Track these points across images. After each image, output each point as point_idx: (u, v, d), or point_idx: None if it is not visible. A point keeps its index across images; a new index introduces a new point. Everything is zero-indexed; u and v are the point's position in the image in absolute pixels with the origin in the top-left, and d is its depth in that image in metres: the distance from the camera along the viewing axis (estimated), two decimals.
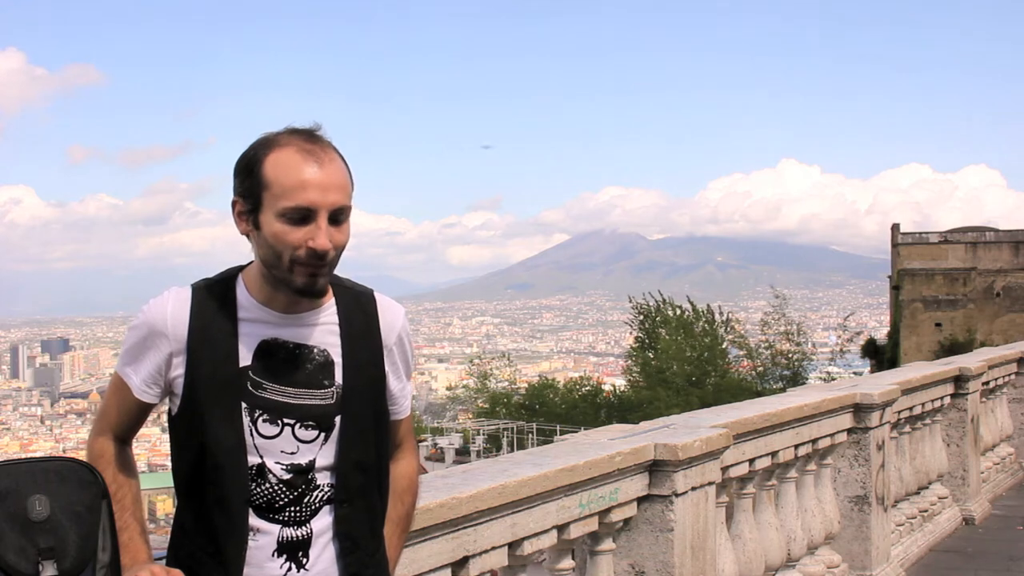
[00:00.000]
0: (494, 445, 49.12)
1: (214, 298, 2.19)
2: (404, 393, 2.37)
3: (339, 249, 2.13)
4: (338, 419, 2.20)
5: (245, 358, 2.16)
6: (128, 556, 2.12)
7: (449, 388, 71.83)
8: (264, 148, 2.12)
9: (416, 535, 2.89)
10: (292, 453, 2.16)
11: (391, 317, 2.32)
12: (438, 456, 49.42)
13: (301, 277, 2.11)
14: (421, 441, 51.38)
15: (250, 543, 2.14)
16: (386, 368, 2.30)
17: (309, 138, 2.13)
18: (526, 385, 61.62)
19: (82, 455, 2.22)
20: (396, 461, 2.39)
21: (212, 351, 2.15)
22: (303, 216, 2.07)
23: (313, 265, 2.10)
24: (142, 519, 2.23)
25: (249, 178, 2.11)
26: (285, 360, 2.17)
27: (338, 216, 2.10)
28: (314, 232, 2.07)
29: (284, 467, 2.16)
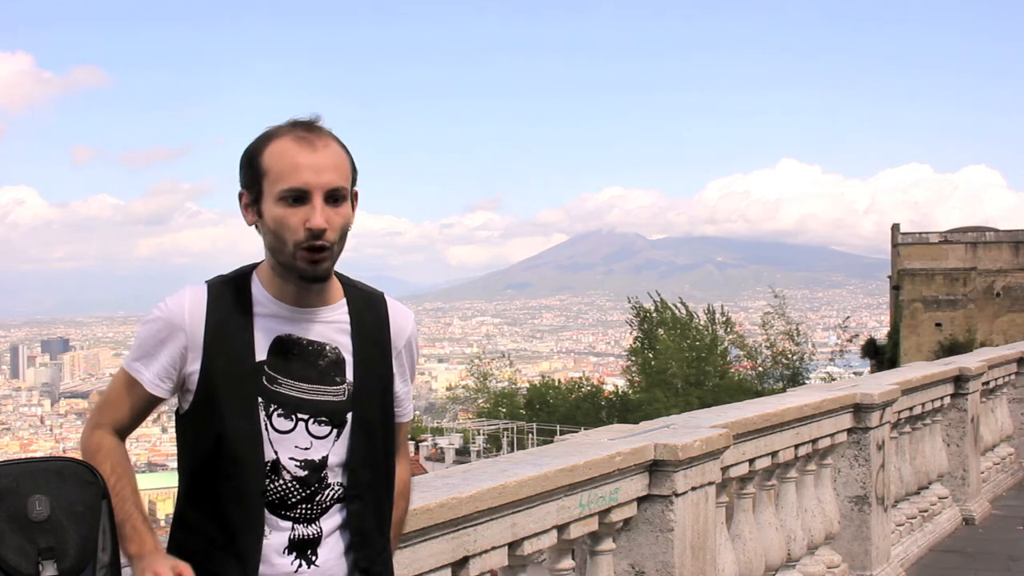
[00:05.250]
0: (494, 445, 49.12)
1: (230, 294, 2.23)
2: (407, 396, 2.42)
3: (340, 231, 2.17)
4: (350, 416, 2.24)
5: (261, 353, 2.20)
6: (135, 545, 2.13)
7: (449, 388, 71.86)
8: (264, 140, 2.19)
9: (416, 535, 2.90)
10: (306, 448, 2.20)
11: (402, 321, 2.37)
12: (438, 456, 49.42)
13: (303, 262, 2.15)
14: (421, 441, 51.44)
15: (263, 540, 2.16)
16: (394, 370, 2.34)
17: (306, 127, 2.19)
18: (526, 385, 61.60)
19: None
20: None
21: (229, 346, 2.18)
22: (298, 197, 2.13)
23: (313, 248, 2.14)
24: (143, 509, 2.23)
25: (251, 169, 2.19)
26: (299, 356, 2.21)
27: (335, 196, 2.15)
28: (310, 212, 2.12)
29: (298, 463, 2.19)
